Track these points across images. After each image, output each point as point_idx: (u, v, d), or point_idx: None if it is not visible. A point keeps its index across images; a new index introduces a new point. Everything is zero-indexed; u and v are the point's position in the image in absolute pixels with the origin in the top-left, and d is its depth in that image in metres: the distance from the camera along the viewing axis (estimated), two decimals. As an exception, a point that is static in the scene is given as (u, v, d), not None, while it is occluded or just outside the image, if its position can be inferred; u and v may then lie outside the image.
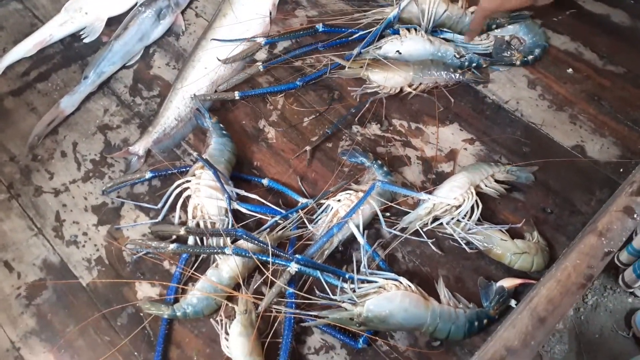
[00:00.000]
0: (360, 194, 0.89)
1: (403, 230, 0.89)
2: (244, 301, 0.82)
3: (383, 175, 0.93)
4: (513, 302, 0.82)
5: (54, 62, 1.18)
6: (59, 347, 0.87)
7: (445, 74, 1.05)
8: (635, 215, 0.66)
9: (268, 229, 0.88)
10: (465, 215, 0.89)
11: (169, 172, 0.98)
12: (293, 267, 0.81)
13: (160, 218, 0.94)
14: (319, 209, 0.90)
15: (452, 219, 0.89)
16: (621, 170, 0.98)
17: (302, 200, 0.91)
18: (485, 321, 0.81)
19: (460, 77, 1.05)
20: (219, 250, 0.83)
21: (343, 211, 0.87)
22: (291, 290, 0.81)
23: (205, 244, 0.87)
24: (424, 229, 0.90)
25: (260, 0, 1.20)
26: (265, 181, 0.95)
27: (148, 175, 0.96)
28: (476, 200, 0.90)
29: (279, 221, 0.89)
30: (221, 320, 0.84)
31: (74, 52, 1.20)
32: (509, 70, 1.12)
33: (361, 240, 0.85)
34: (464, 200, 0.89)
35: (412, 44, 1.08)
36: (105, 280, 0.92)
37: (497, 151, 1.02)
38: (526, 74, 1.11)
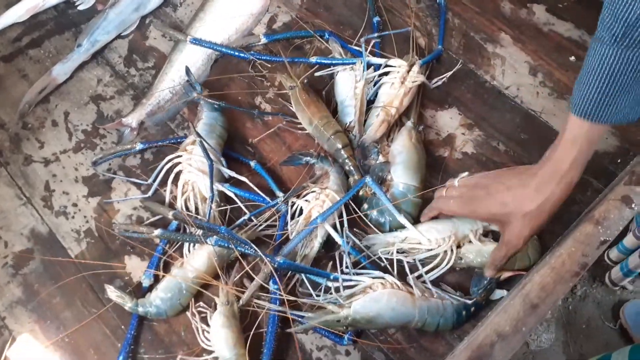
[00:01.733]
0: (329, 191, 0.86)
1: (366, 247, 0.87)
2: (225, 292, 0.81)
3: (331, 166, 0.91)
4: (504, 292, 0.82)
5: (46, 28, 1.16)
6: (45, 318, 0.86)
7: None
8: (633, 205, 0.66)
9: (243, 226, 0.87)
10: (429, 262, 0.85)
11: (160, 143, 0.96)
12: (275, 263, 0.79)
13: (150, 193, 0.92)
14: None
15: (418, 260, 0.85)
16: (619, 160, 0.98)
17: (279, 194, 0.88)
18: (472, 309, 0.81)
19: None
20: (202, 240, 0.81)
21: (316, 212, 0.85)
22: (275, 286, 0.80)
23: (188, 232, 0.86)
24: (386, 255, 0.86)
25: (261, -27, 1.17)
26: (252, 163, 0.93)
27: (139, 146, 0.94)
28: (451, 250, 0.84)
29: (253, 218, 0.87)
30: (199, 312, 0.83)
31: (67, 19, 1.17)
32: (510, 55, 1.10)
33: (339, 240, 0.84)
34: (438, 246, 0.84)
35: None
36: (94, 253, 0.91)
37: (495, 137, 1.01)
38: (528, 60, 1.10)
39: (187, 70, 0.98)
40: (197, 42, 1.07)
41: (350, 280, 0.82)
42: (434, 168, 0.97)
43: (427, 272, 0.83)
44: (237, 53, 1.07)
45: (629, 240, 0.99)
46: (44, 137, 1.02)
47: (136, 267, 0.89)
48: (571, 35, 1.13)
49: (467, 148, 1.00)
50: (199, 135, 0.84)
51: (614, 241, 0.83)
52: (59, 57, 1.10)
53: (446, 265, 0.83)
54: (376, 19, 1.11)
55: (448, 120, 1.03)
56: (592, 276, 1.64)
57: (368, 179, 0.85)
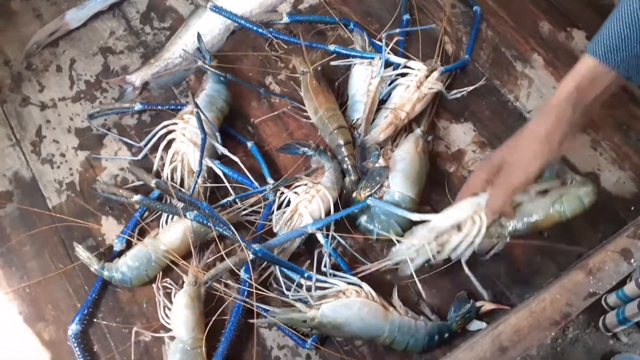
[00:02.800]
0: (320, 187, 0.82)
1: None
2: (195, 272, 0.77)
3: (329, 162, 0.87)
4: (483, 324, 0.77)
5: (70, -30, 1.13)
6: (11, 265, 0.84)
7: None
8: (632, 260, 0.60)
9: (227, 207, 0.83)
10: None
11: (160, 107, 0.93)
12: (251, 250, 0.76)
13: (140, 156, 0.89)
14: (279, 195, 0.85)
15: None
16: (632, 208, 0.92)
17: (270, 180, 0.85)
18: (446, 335, 0.77)
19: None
20: (181, 213, 0.77)
21: (303, 208, 0.81)
22: (247, 275, 0.76)
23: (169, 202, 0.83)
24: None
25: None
26: (249, 144, 0.89)
27: (137, 106, 0.91)
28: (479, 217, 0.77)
29: (238, 200, 0.84)
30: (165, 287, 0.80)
31: (93, -35, 1.13)
32: (539, 78, 1.04)
33: (322, 239, 0.80)
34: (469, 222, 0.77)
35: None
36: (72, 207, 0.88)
37: (506, 161, 0.95)
38: (557, 87, 1.03)
39: (199, 37, 0.94)
40: (217, 10, 1.03)
41: (325, 281, 0.78)
42: (435, 182, 0.92)
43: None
44: (255, 28, 1.03)
45: (629, 288, 0.94)
46: (46, 81, 1.00)
47: (112, 229, 0.86)
48: (608, 68, 1.06)
49: (475, 167, 0.95)
50: (196, 105, 0.80)
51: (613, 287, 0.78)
52: (77, 2, 1.07)
53: (478, 234, 0.77)
54: (406, 16, 1.06)
55: (461, 135, 0.98)
56: (587, 320, 1.57)
57: (370, 201, 0.81)
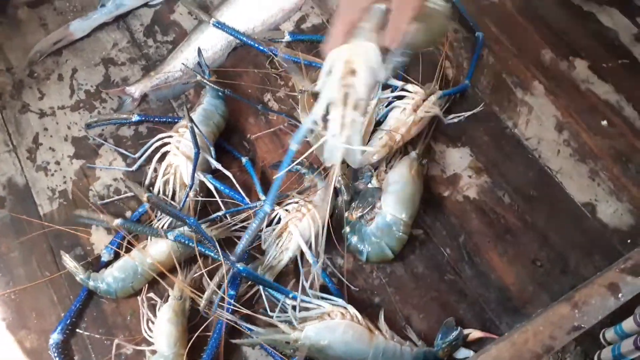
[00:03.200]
0: (311, 207, 0.82)
1: None
2: (180, 287, 0.77)
3: (322, 181, 0.86)
4: (470, 353, 0.76)
5: (79, -18, 1.14)
6: (-2, 270, 0.84)
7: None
8: (620, 295, 0.59)
9: (217, 221, 0.83)
10: None
11: (157, 119, 0.93)
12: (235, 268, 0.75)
13: (134, 167, 0.89)
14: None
15: None
16: (629, 241, 0.90)
17: (262, 197, 0.84)
18: None
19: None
20: (163, 234, 0.77)
21: (292, 225, 0.80)
22: (232, 292, 0.76)
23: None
24: None
25: (303, -30, 1.14)
26: (244, 159, 0.89)
27: (135, 117, 0.91)
28: None
29: (227, 216, 0.83)
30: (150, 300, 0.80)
31: (102, -23, 1.15)
32: (539, 106, 1.04)
33: (310, 258, 0.79)
34: None
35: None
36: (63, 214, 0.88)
37: (502, 187, 0.95)
38: (557, 115, 1.03)
39: (199, 52, 0.95)
40: (220, 26, 1.04)
41: (310, 302, 0.77)
42: (429, 205, 0.91)
43: None
44: (257, 45, 1.03)
45: (628, 324, 0.91)
46: (47, 89, 1.00)
47: (100, 239, 0.86)
48: (609, 98, 1.06)
49: (470, 192, 0.94)
50: (191, 120, 0.80)
51: (612, 321, 0.77)
52: (82, 13, 1.08)
53: None
54: None
55: (457, 159, 0.97)
56: (584, 352, 1.55)
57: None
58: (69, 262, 0.80)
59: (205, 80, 0.90)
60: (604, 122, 1.03)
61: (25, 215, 0.88)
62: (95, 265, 0.83)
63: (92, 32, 1.06)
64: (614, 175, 0.97)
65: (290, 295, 0.76)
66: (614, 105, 1.05)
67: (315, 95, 0.91)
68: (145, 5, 1.11)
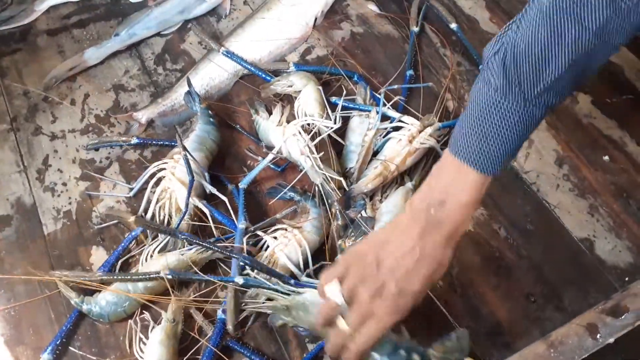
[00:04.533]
0: (297, 232, 0.83)
1: None
2: (175, 310, 0.78)
3: (315, 207, 0.87)
4: None
5: (96, 12, 1.20)
6: (0, 286, 0.87)
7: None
8: (598, 336, 0.58)
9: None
10: None
11: (155, 142, 0.96)
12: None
13: (132, 193, 0.92)
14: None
15: None
16: (626, 279, 0.89)
17: (240, 225, 0.85)
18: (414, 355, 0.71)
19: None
20: (154, 276, 0.79)
21: (280, 252, 0.81)
22: (223, 317, 0.77)
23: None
24: None
25: (311, 5, 1.17)
26: (230, 187, 0.91)
27: (134, 140, 0.95)
28: None
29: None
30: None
31: (118, 7, 1.21)
32: (540, 140, 1.04)
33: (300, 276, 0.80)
34: None
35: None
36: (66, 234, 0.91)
37: (498, 220, 0.94)
38: (557, 149, 1.03)
39: (189, 81, 0.99)
40: (229, 55, 1.08)
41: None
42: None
43: None
44: (263, 74, 1.06)
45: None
46: (59, 113, 1.05)
47: (100, 259, 0.88)
48: (611, 134, 1.05)
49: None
50: (184, 148, 0.83)
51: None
52: (98, 41, 1.14)
53: None
54: (410, 72, 1.08)
55: (454, 191, 0.97)
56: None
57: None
58: (62, 286, 0.82)
59: (199, 107, 0.94)
60: (606, 158, 1.02)
61: (29, 233, 0.91)
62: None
63: (105, 59, 1.11)
64: (614, 211, 0.96)
65: (292, 282, 0.77)
66: (617, 141, 1.04)
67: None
68: (158, 34, 1.15)
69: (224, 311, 0.78)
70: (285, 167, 0.96)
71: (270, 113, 0.98)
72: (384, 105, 0.98)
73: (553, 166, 1.01)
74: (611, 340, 0.60)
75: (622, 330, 0.60)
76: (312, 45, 1.15)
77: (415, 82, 1.08)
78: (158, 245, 0.83)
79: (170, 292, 0.80)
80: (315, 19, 1.17)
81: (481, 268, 0.89)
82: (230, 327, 0.76)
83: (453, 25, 1.13)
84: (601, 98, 1.09)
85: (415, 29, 1.14)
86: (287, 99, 1.04)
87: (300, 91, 1.00)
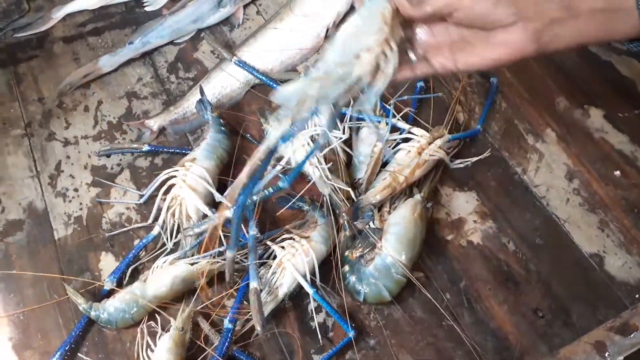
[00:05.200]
0: (304, 242, 0.83)
1: None
2: (184, 318, 0.79)
3: (322, 217, 0.87)
4: None
5: (111, 20, 1.22)
6: (10, 290, 0.88)
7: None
8: (606, 355, 0.58)
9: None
10: None
11: (166, 149, 0.97)
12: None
13: (143, 200, 0.93)
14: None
15: None
16: (636, 296, 0.88)
17: (254, 231, 0.85)
18: None
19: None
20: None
21: (287, 262, 0.81)
22: (230, 326, 0.77)
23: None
24: None
25: (323, 15, 1.18)
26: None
27: (145, 147, 0.96)
28: None
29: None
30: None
31: (133, 16, 1.22)
32: (550, 154, 1.04)
33: (310, 291, 0.80)
34: None
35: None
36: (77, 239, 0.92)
37: (507, 234, 0.94)
38: (568, 163, 1.02)
39: (201, 90, 1.00)
40: (241, 64, 1.09)
41: None
42: (432, 249, 0.91)
43: None
44: (273, 84, 1.07)
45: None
46: (73, 119, 1.06)
47: (109, 266, 0.89)
48: (623, 148, 1.04)
49: (474, 237, 0.94)
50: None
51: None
52: (112, 49, 1.15)
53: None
54: (420, 83, 1.08)
55: (463, 203, 0.97)
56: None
57: None
58: (70, 292, 0.83)
59: (211, 116, 0.95)
60: (617, 173, 1.01)
61: (40, 238, 0.92)
62: (100, 290, 0.86)
63: (119, 67, 1.12)
64: (624, 226, 0.95)
65: None
66: (628, 156, 1.03)
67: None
68: (171, 43, 1.17)
69: (230, 320, 0.79)
70: (292, 179, 0.96)
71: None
72: (394, 116, 0.98)
73: (563, 180, 1.00)
74: (620, 358, 0.59)
75: (631, 349, 0.59)
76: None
77: (426, 93, 1.08)
78: (168, 254, 0.83)
79: (185, 299, 0.81)
80: (327, 30, 1.18)
81: (489, 281, 0.89)
82: (258, 328, 0.75)
83: None
84: (613, 112, 1.09)
85: None
86: (298, 109, 1.05)
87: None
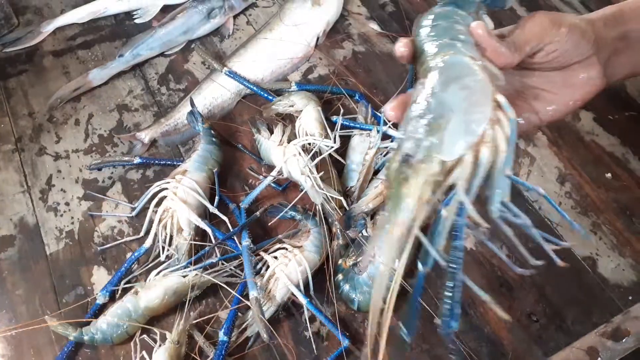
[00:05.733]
0: (297, 252, 0.83)
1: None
2: (180, 331, 0.78)
3: (315, 226, 0.87)
4: None
5: (101, 33, 1.22)
6: (2, 307, 0.87)
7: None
8: None
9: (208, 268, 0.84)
10: None
11: (157, 162, 0.97)
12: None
13: (134, 213, 0.93)
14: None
15: None
16: (630, 298, 0.88)
17: (246, 242, 0.86)
18: None
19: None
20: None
21: (280, 272, 0.81)
22: (224, 338, 0.77)
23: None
24: None
25: (313, 25, 1.19)
26: (232, 206, 0.92)
27: (137, 160, 0.96)
28: None
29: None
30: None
31: (122, 29, 1.22)
32: (542, 157, 1.04)
33: (303, 300, 0.80)
34: None
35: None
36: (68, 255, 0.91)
37: (500, 238, 0.94)
38: (559, 167, 1.03)
39: (191, 101, 1.00)
40: (231, 75, 1.09)
41: None
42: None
43: None
44: (265, 94, 1.07)
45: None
46: (63, 133, 1.06)
47: (101, 280, 0.89)
48: (614, 151, 1.05)
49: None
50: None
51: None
52: (102, 62, 1.15)
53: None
54: (410, 90, 1.08)
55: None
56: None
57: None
58: (57, 327, 0.81)
59: (202, 127, 0.95)
60: (608, 175, 1.02)
61: (32, 253, 0.91)
62: (91, 304, 0.85)
63: (109, 80, 1.12)
64: (617, 229, 0.95)
65: None
66: (619, 158, 1.04)
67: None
68: (161, 55, 1.17)
69: (225, 332, 0.78)
70: (287, 186, 0.96)
71: (272, 132, 0.98)
72: (385, 124, 0.98)
73: (555, 184, 1.01)
74: (613, 363, 0.59)
75: (623, 354, 0.59)
76: (314, 64, 1.16)
77: None
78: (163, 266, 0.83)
79: (180, 311, 0.80)
80: (317, 39, 1.18)
81: (482, 287, 0.87)
82: (264, 335, 0.75)
83: None
84: (603, 115, 1.09)
85: None
86: (290, 118, 1.05)
87: (301, 111, 1.01)
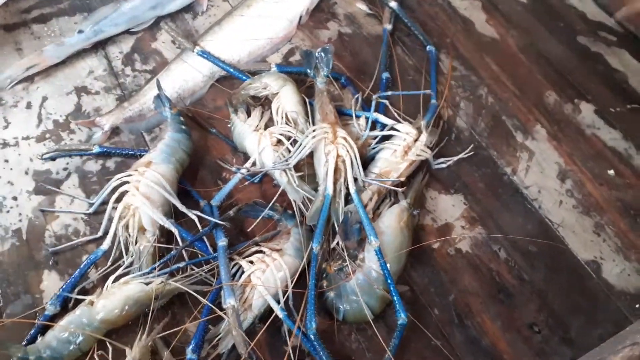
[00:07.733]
0: (276, 256, 0.74)
1: None
2: (142, 346, 0.68)
3: (296, 227, 0.78)
4: None
5: (59, 6, 1.09)
6: (-64, 318, 0.76)
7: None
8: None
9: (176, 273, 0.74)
10: None
11: (119, 151, 0.86)
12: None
13: (92, 210, 0.82)
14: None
15: None
16: (637, 306, 0.81)
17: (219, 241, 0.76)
18: None
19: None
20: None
21: (256, 278, 0.72)
22: (194, 357, 0.68)
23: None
24: None
25: (295, 1, 1.08)
26: (202, 203, 0.82)
27: (96, 149, 0.85)
28: None
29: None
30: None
31: (84, 1, 1.10)
32: (541, 152, 0.96)
33: (280, 314, 0.71)
34: None
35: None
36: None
37: (498, 241, 0.86)
38: (559, 162, 0.95)
39: (158, 84, 0.89)
40: (204, 55, 0.98)
41: None
42: (417, 259, 0.83)
43: None
44: (242, 76, 0.97)
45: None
46: (13, 118, 0.94)
47: (52, 286, 0.78)
48: (616, 145, 0.98)
49: (463, 245, 0.86)
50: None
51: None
52: (60, 38, 1.03)
53: None
54: (385, 74, 1.00)
55: (449, 207, 0.89)
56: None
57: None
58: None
59: (170, 113, 0.84)
60: (611, 172, 0.95)
61: (-28, 255, 0.80)
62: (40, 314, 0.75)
63: (67, 59, 1.00)
64: (621, 230, 0.89)
65: None
66: (622, 153, 0.97)
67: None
68: (127, 32, 1.05)
69: (193, 350, 0.68)
70: (261, 178, 0.87)
71: (249, 115, 0.88)
72: (376, 111, 0.89)
73: (555, 181, 0.93)
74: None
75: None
76: (296, 45, 1.06)
77: (393, 84, 1.00)
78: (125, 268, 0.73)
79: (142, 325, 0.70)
80: (300, 17, 1.08)
81: (480, 294, 0.81)
82: (241, 350, 0.66)
83: (392, 4, 1.09)
84: (605, 107, 1.03)
85: (389, 26, 1.06)
86: (269, 104, 0.95)
87: (277, 93, 0.91)
